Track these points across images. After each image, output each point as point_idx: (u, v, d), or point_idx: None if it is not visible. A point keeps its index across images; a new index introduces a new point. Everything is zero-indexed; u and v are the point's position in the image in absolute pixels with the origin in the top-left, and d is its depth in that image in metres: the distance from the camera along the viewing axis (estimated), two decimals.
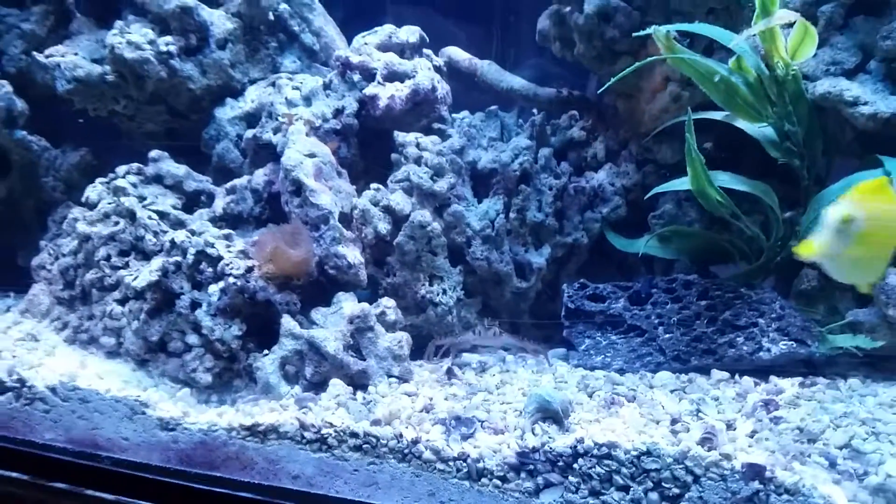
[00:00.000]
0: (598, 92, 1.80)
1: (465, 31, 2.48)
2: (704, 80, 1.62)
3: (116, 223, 1.92)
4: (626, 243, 1.93)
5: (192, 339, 1.79)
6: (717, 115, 1.70)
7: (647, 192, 1.85)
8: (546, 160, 1.95)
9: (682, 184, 1.70)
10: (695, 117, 1.65)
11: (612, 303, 1.82)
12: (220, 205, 1.99)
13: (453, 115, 2.12)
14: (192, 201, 2.07)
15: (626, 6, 1.80)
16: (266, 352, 1.73)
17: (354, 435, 1.44)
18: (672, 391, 1.58)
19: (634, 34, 1.61)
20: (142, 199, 1.97)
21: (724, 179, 1.69)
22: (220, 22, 2.16)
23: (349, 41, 2.41)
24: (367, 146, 2.09)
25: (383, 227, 1.88)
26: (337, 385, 1.64)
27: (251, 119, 2.14)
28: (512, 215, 1.93)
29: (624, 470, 1.23)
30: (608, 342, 1.80)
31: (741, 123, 1.67)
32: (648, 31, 1.59)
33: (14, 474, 1.66)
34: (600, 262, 2.00)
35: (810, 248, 1.32)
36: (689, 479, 1.19)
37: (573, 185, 1.95)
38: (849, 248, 1.31)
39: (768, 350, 1.63)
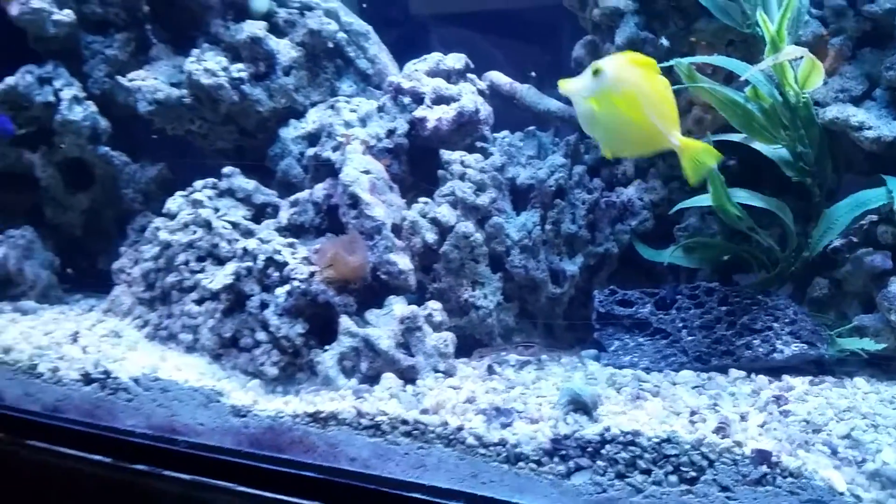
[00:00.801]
0: None
1: (504, 54, 2.62)
2: (724, 106, 1.73)
3: (194, 232, 2.08)
4: (654, 253, 2.03)
5: (261, 336, 1.93)
6: (735, 138, 1.80)
7: (673, 206, 1.95)
8: (580, 177, 2.07)
9: (705, 200, 1.80)
10: (716, 139, 1.76)
11: (639, 308, 1.93)
12: (284, 216, 2.14)
13: (494, 134, 2.25)
14: (260, 212, 2.22)
15: (653, 38, 1.92)
16: (326, 348, 1.86)
17: (405, 422, 1.56)
18: (693, 387, 1.69)
19: (660, 64, 1.73)
20: (216, 210, 2.13)
21: (743, 196, 1.79)
22: (285, 51, 2.32)
23: (398, 61, 2.56)
24: (415, 163, 2.22)
25: (431, 237, 2.01)
26: (389, 378, 1.77)
27: (312, 138, 2.29)
28: (548, 227, 2.05)
29: (646, 455, 1.34)
30: (636, 344, 1.91)
31: (758, 145, 1.78)
32: (672, 62, 1.71)
33: (98, 457, 1.79)
34: (629, 271, 2.10)
35: (565, 84, 1.48)
36: (705, 463, 1.30)
37: (604, 200, 2.06)
38: (592, 97, 1.42)
39: (781, 351, 1.73)
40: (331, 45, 2.38)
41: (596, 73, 1.44)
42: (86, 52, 2.52)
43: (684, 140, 1.45)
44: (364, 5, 2.70)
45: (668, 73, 1.80)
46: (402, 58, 2.52)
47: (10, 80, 2.44)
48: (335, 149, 2.18)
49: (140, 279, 2.23)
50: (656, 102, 1.43)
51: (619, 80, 1.43)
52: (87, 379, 1.89)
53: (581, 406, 1.52)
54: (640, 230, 2.06)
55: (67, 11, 2.42)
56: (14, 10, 2.44)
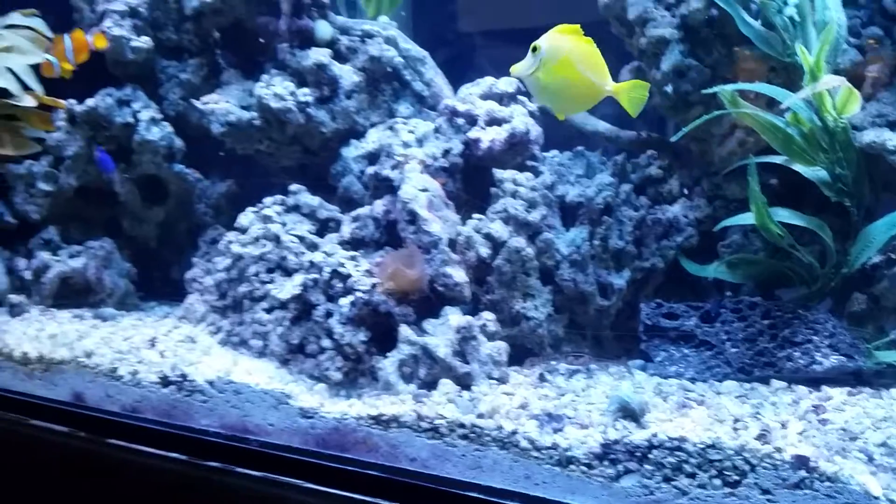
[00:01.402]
0: (673, 139, 2.00)
1: None
2: (766, 130, 1.80)
3: (264, 245, 2.19)
4: (698, 268, 2.09)
5: (326, 343, 2.03)
6: (777, 160, 1.86)
7: (717, 224, 2.01)
8: (627, 195, 2.14)
9: (747, 218, 1.87)
10: (758, 161, 1.83)
11: (685, 320, 1.99)
12: (346, 230, 2.25)
13: (544, 153, 2.33)
14: (324, 226, 2.33)
15: (698, 64, 1.98)
16: (387, 355, 1.95)
17: (462, 426, 1.64)
18: (736, 397, 1.75)
19: (704, 90, 1.80)
20: (284, 225, 2.24)
21: (784, 215, 1.85)
22: (347, 76, 2.43)
23: (449, 78, 2.65)
24: (468, 181, 2.30)
25: (484, 251, 2.09)
26: (446, 384, 1.86)
27: (372, 157, 2.38)
28: (596, 242, 2.12)
29: (692, 460, 1.42)
30: (681, 355, 1.98)
31: (798, 167, 1.84)
32: (716, 89, 1.78)
33: (175, 454, 1.88)
34: (674, 285, 2.16)
35: (515, 68, 1.74)
36: (747, 467, 1.37)
37: (651, 217, 2.13)
38: (536, 71, 1.68)
39: (821, 363, 1.78)
40: (389, 69, 2.48)
41: (534, 50, 1.70)
42: (161, 76, 2.66)
43: (616, 85, 1.71)
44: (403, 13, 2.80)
45: (712, 98, 1.88)
46: (452, 75, 2.62)
47: (90, 102, 2.59)
48: (394, 167, 2.28)
49: (213, 288, 2.35)
50: (588, 61, 1.68)
51: (554, 50, 1.68)
52: (165, 381, 2.00)
53: (630, 413, 1.59)
54: (686, 246, 2.12)
55: (145, 38, 2.57)
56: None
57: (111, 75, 2.66)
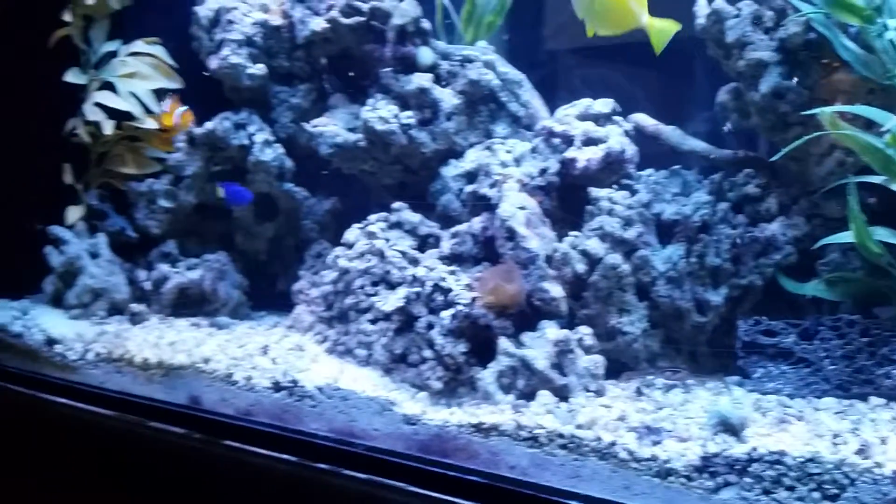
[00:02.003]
0: (771, 160, 2.01)
1: (640, 86, 2.72)
2: (865, 150, 1.79)
3: (369, 260, 2.29)
4: (797, 286, 2.08)
5: (427, 353, 2.10)
6: (876, 179, 1.84)
7: (816, 242, 2.00)
8: (724, 213, 2.15)
9: (846, 237, 1.86)
10: (857, 180, 1.83)
11: (783, 338, 1.99)
12: (446, 246, 2.32)
13: (640, 172, 2.36)
14: (424, 242, 2.41)
15: (796, 86, 1.99)
16: (486, 366, 2.02)
17: (561, 436, 1.69)
18: (835, 413, 1.74)
19: (802, 112, 1.82)
20: (387, 240, 2.34)
21: (883, 234, 1.83)
22: (447, 98, 2.52)
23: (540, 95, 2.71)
24: (564, 198, 2.35)
25: (581, 267, 2.14)
26: (544, 395, 1.90)
27: (470, 176, 2.46)
28: (693, 260, 2.14)
29: (791, 473, 1.43)
30: (779, 372, 1.97)
31: None
32: (816, 111, 1.79)
33: (285, 456, 1.97)
34: (772, 302, 2.14)
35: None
36: (846, 482, 1.38)
37: (748, 235, 2.13)
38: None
39: None
40: (487, 91, 2.56)
41: None
42: (274, 101, 2.82)
43: (650, 19, 1.91)
44: (506, 37, 2.88)
45: (810, 119, 1.88)
46: (546, 94, 2.68)
47: (209, 125, 2.76)
48: (492, 186, 2.35)
49: (320, 300, 2.47)
50: None
51: None
52: (277, 387, 2.10)
53: (729, 427, 1.61)
54: (784, 264, 2.11)
55: (260, 66, 2.72)
56: (213, 63, 2.78)
57: (227, 100, 2.83)
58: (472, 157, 2.50)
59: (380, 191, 2.74)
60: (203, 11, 2.81)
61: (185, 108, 2.64)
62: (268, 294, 2.97)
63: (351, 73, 2.75)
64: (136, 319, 2.70)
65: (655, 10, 1.98)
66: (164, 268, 2.82)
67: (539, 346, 2.01)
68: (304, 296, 2.66)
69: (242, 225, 2.85)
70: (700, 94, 2.70)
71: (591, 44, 2.98)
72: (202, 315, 2.80)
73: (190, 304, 2.82)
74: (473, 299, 2.10)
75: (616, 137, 2.28)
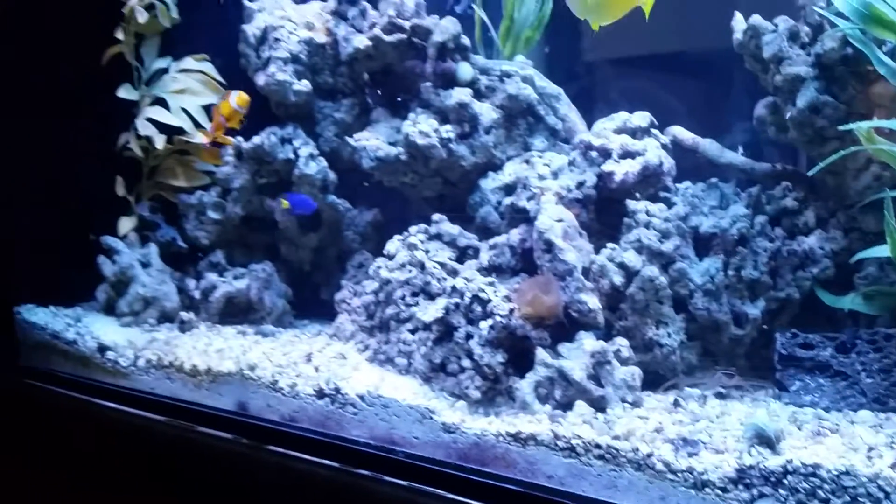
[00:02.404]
0: (809, 174, 2.02)
1: (683, 102, 2.73)
2: None
3: (410, 271, 2.34)
4: (834, 300, 2.08)
5: (466, 363, 2.13)
6: None
7: (853, 256, 2.01)
8: (762, 226, 2.16)
9: (883, 251, 1.86)
10: (894, 195, 1.82)
11: (820, 351, 1.99)
12: (485, 257, 2.36)
13: (677, 184, 2.38)
14: (463, 253, 2.44)
15: (833, 101, 1.99)
16: (524, 376, 2.04)
17: (598, 446, 1.71)
18: (871, 427, 1.74)
19: (840, 127, 1.82)
20: (427, 252, 2.38)
21: None
22: (486, 113, 2.56)
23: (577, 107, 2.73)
24: (601, 211, 2.37)
25: (618, 279, 2.16)
26: (581, 406, 1.92)
27: (509, 189, 2.50)
28: (730, 273, 2.15)
29: (826, 486, 1.43)
30: (816, 385, 1.97)
31: None
32: (852, 126, 1.79)
33: (328, 462, 2.04)
34: (809, 315, 2.15)
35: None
36: (881, 495, 1.38)
37: (786, 248, 2.14)
38: None
39: None
40: (525, 106, 2.59)
41: None
42: (318, 116, 2.88)
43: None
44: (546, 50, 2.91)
45: (847, 133, 1.88)
46: (582, 104, 2.70)
47: (257, 140, 2.83)
48: (530, 199, 2.38)
49: (362, 310, 2.52)
50: None
51: None
52: (320, 394, 2.16)
53: (765, 440, 1.62)
54: (821, 278, 2.11)
55: (305, 82, 2.79)
56: (260, 80, 2.85)
57: (273, 115, 2.90)
58: (511, 170, 2.53)
59: (420, 202, 2.79)
60: (251, 29, 2.89)
61: (239, 91, 2.73)
62: (311, 302, 3.04)
63: (392, 88, 2.80)
64: (185, 327, 2.78)
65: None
66: (212, 277, 2.90)
67: (576, 357, 2.03)
68: (345, 305, 2.71)
69: (287, 236, 2.92)
70: (738, 104, 2.71)
71: (629, 54, 3.02)
72: (248, 323, 2.87)
73: (237, 312, 2.89)
74: (511, 310, 2.13)
75: (653, 151, 2.29)
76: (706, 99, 2.82)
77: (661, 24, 2.70)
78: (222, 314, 2.88)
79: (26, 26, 2.87)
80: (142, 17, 2.84)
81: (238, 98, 2.70)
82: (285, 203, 2.75)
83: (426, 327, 2.24)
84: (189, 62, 3.01)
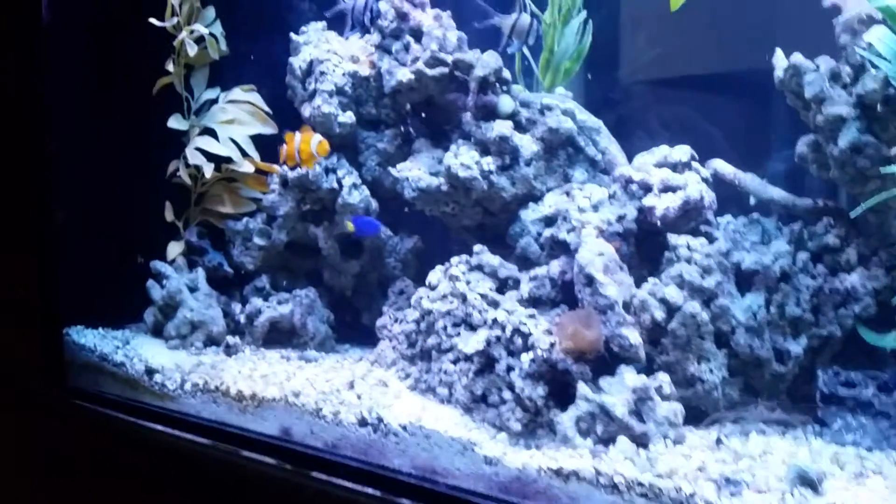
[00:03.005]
0: (852, 215, 2.01)
1: (722, 132, 2.73)
2: None
3: (452, 302, 2.36)
4: (876, 338, 2.06)
5: (507, 395, 2.15)
6: None
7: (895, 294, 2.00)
8: (804, 263, 2.15)
9: None
10: None
11: (862, 389, 1.97)
12: (525, 289, 2.38)
13: (718, 218, 2.37)
14: (503, 284, 2.46)
15: (875, 141, 1.99)
16: (565, 410, 2.05)
17: (640, 484, 1.71)
18: None
19: (882, 169, 1.81)
20: (468, 283, 2.40)
21: None
22: (527, 145, 2.58)
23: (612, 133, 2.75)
24: (641, 244, 2.38)
25: (659, 314, 2.16)
26: (623, 442, 1.93)
27: (549, 220, 2.51)
28: (772, 309, 2.14)
29: None
30: (858, 424, 1.95)
31: None
32: (894, 169, 1.79)
33: (370, 490, 2.01)
34: (852, 353, 2.13)
35: None
36: None
37: (828, 286, 2.13)
38: None
39: None
40: (566, 138, 2.61)
41: None
42: (361, 145, 2.93)
43: None
44: (589, 76, 2.93)
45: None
46: (616, 132, 2.72)
47: (301, 169, 2.88)
48: (570, 231, 2.39)
49: (403, 338, 2.55)
50: None
51: None
52: (363, 422, 2.17)
53: (808, 481, 1.61)
54: (864, 315, 2.10)
55: (349, 114, 2.84)
56: (306, 111, 2.91)
57: None
58: (551, 202, 2.54)
59: (460, 231, 2.81)
60: (297, 62, 2.95)
61: (322, 138, 2.68)
62: (352, 326, 3.08)
63: (433, 119, 2.84)
64: (230, 351, 2.83)
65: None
66: (257, 302, 2.95)
67: (618, 392, 2.03)
68: (386, 331, 2.75)
69: (330, 262, 2.96)
70: (776, 127, 2.71)
71: (668, 76, 3.02)
72: (291, 347, 2.92)
73: (280, 336, 2.94)
74: (553, 344, 2.14)
75: (694, 185, 2.29)
76: (744, 122, 2.81)
77: (699, 44, 2.72)
78: (266, 338, 2.92)
79: (84, 58, 2.95)
80: (192, 49, 2.91)
81: (319, 145, 2.67)
82: (350, 226, 2.77)
83: (467, 358, 2.26)
84: (237, 93, 3.07)
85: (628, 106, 3.07)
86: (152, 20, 2.85)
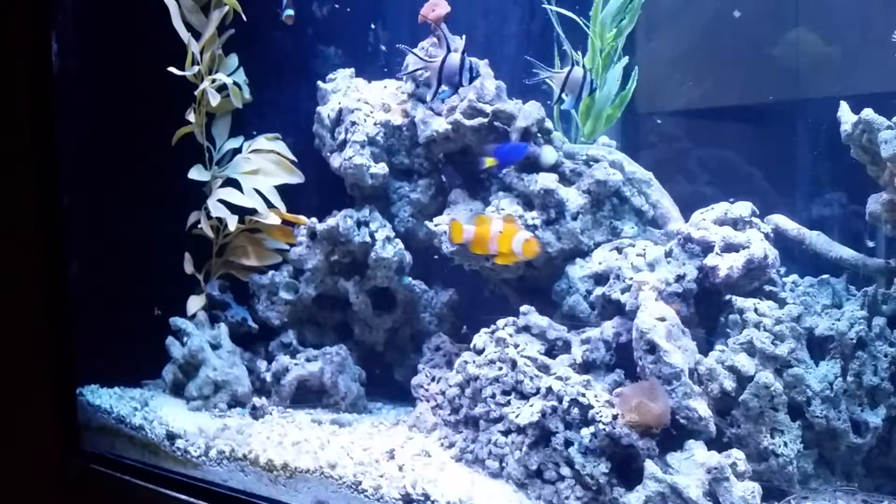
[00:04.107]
0: None
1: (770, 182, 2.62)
2: None
3: (500, 368, 2.20)
4: None
5: (565, 471, 2.00)
6: None
7: None
8: (880, 329, 2.00)
9: None
10: None
11: None
12: (577, 353, 2.22)
13: (784, 278, 2.23)
14: (552, 346, 2.31)
15: None
16: (633, 490, 1.89)
17: None
18: None
19: None
20: (517, 346, 2.24)
21: None
22: (573, 198, 2.44)
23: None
24: (698, 303, 2.24)
25: (729, 384, 2.01)
26: None
27: (598, 278, 2.36)
28: (849, 379, 1.99)
29: None
30: None
31: None
32: None
33: None
34: None
35: None
36: None
37: None
38: None
39: None
40: (613, 191, 2.47)
41: None
42: (393, 196, 2.78)
43: None
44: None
45: None
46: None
47: (331, 221, 2.73)
48: (623, 290, 2.25)
49: (446, 403, 2.37)
50: None
51: None
52: (407, 499, 2.01)
53: None
54: None
55: (381, 165, 2.69)
56: (336, 162, 2.75)
57: (347, 194, 2.80)
58: (600, 258, 2.40)
59: (498, 283, 2.67)
60: (325, 111, 2.80)
61: (530, 235, 2.22)
62: (382, 380, 2.91)
63: (469, 168, 2.69)
64: (257, 414, 2.65)
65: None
66: (284, 360, 2.79)
67: (688, 470, 1.88)
68: (423, 391, 2.59)
69: (361, 317, 2.80)
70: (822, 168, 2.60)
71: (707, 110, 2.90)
72: (321, 407, 2.75)
73: (309, 395, 2.77)
74: (615, 417, 1.98)
75: (757, 243, 2.15)
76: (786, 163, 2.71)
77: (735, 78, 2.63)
78: (294, 397, 2.75)
79: (102, 108, 2.80)
80: (214, 99, 2.75)
81: (527, 246, 2.20)
82: (490, 161, 2.46)
83: (520, 430, 2.10)
84: (262, 142, 2.92)
85: (667, 147, 2.94)
86: (172, 69, 2.69)
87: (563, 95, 2.34)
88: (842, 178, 2.52)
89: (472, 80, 2.30)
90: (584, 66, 2.30)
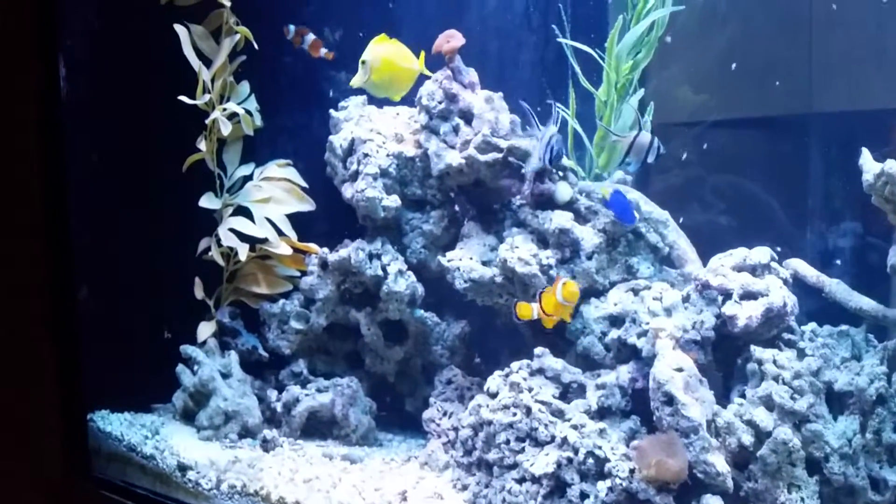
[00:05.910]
0: None
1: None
2: None
3: (514, 414, 2.17)
4: None
5: None
6: None
7: None
8: None
9: None
10: None
11: None
12: (593, 399, 2.19)
13: (801, 326, 2.19)
14: (566, 389, 2.28)
15: None
16: None
17: None
18: None
19: None
20: (531, 390, 2.21)
21: None
22: (588, 237, 2.40)
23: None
24: (716, 349, 2.21)
25: (747, 439, 1.98)
26: None
27: (614, 320, 2.33)
28: (868, 435, 1.97)
29: None
30: None
31: None
32: None
33: None
34: None
35: (354, 82, 2.55)
36: None
37: None
38: (371, 77, 2.48)
39: None
40: (630, 230, 2.43)
41: (363, 63, 2.49)
42: (406, 227, 2.74)
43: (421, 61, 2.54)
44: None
45: None
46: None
47: (343, 253, 2.69)
48: (640, 335, 2.21)
49: (458, 444, 2.35)
50: (401, 56, 2.51)
51: (375, 56, 2.47)
52: None
53: None
54: None
55: (394, 197, 2.65)
56: (348, 193, 2.71)
57: (360, 225, 2.77)
58: (616, 298, 2.37)
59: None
60: (337, 140, 2.76)
61: (575, 285, 2.19)
62: (393, 410, 2.89)
63: (483, 201, 2.65)
64: (267, 446, 2.63)
65: None
66: (295, 390, 2.76)
67: None
68: (435, 426, 2.57)
69: (372, 348, 2.77)
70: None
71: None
72: (332, 439, 2.73)
73: (320, 426, 2.75)
74: (632, 471, 1.96)
75: (777, 291, 2.12)
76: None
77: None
78: (305, 428, 2.73)
79: (111, 134, 2.75)
80: (226, 128, 2.70)
81: (566, 290, 2.17)
82: (606, 191, 2.42)
83: (535, 479, 2.08)
84: (273, 169, 2.87)
85: (681, 174, 2.90)
86: (182, 98, 2.64)
87: (628, 159, 2.32)
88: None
89: (552, 161, 2.37)
90: (651, 132, 2.29)
